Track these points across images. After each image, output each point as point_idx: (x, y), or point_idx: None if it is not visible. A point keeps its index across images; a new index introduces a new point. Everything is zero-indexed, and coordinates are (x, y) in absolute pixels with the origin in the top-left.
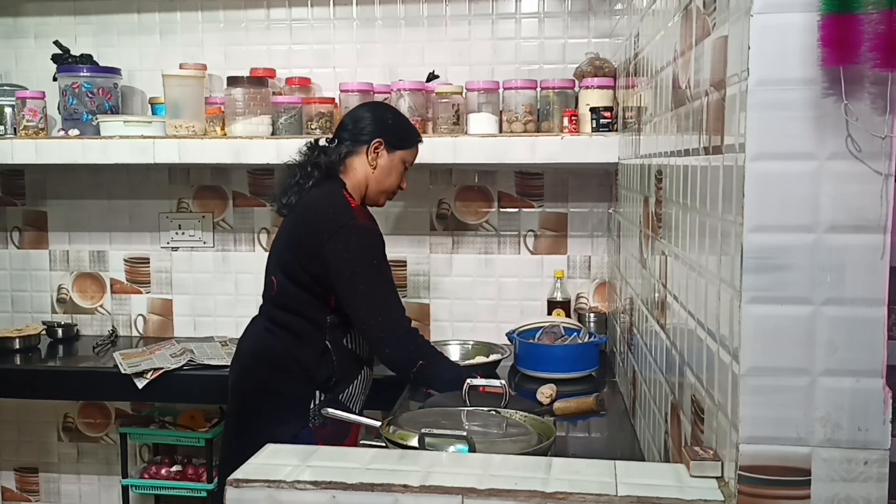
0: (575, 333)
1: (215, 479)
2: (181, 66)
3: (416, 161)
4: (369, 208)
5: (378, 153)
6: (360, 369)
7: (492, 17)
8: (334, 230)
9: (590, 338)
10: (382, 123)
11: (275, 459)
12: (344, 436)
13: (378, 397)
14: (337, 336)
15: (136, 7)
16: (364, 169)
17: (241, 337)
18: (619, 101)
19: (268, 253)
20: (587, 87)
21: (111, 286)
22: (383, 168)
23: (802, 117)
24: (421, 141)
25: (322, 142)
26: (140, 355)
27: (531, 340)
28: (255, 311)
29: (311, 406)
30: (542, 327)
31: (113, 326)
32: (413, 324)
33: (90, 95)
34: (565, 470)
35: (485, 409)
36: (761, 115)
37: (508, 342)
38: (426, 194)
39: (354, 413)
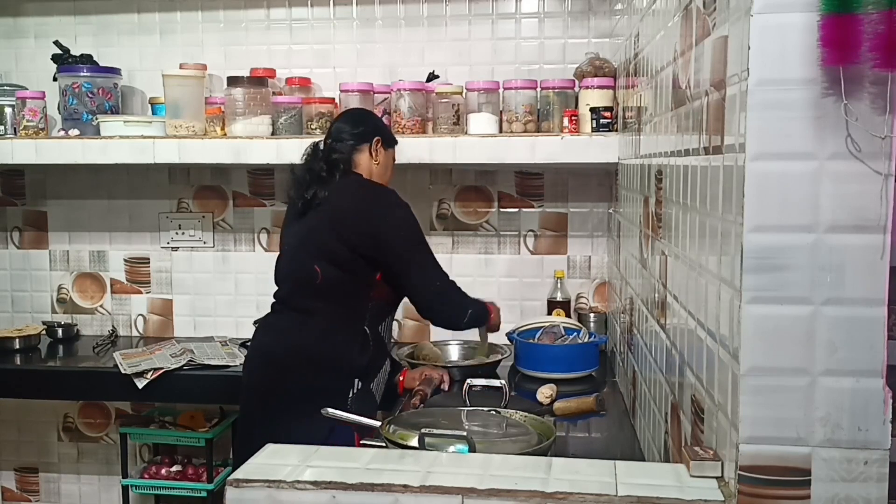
0: (575, 333)
1: (215, 479)
2: (181, 66)
3: (416, 161)
4: None
5: (379, 150)
6: (385, 360)
7: (492, 17)
8: (385, 209)
9: (590, 338)
10: (377, 123)
11: (275, 459)
12: (370, 427)
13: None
14: (374, 323)
15: (136, 7)
16: (368, 164)
17: (259, 335)
18: (620, 101)
19: (283, 247)
20: (587, 87)
21: (111, 286)
22: (383, 163)
23: (802, 117)
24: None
25: (321, 145)
26: (140, 355)
27: (531, 340)
28: (256, 311)
29: (350, 395)
30: (542, 327)
31: (113, 326)
32: (413, 324)
33: (90, 95)
34: (565, 470)
35: (485, 408)
36: (761, 115)
37: (508, 342)
38: (426, 194)
39: (376, 405)
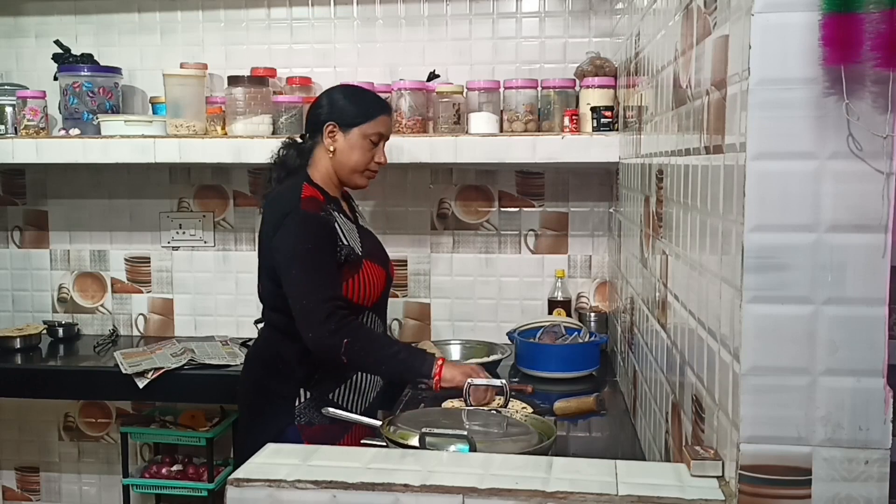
0: (576, 333)
1: (216, 479)
2: (182, 66)
3: (417, 160)
4: (354, 195)
5: (334, 136)
6: (355, 371)
7: (492, 16)
8: (279, 221)
9: (590, 337)
10: (332, 106)
11: (275, 459)
12: (337, 437)
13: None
14: None
15: (137, 6)
16: (325, 156)
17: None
18: (620, 100)
19: None
20: (588, 87)
21: (112, 286)
22: (342, 149)
23: (803, 117)
24: (384, 111)
25: (299, 139)
26: (141, 355)
27: (532, 340)
28: (256, 311)
29: (297, 404)
30: (542, 327)
31: (114, 326)
32: (413, 323)
33: (91, 95)
34: (566, 469)
35: (485, 408)
36: (762, 115)
37: (509, 342)
38: (427, 194)
39: (354, 411)
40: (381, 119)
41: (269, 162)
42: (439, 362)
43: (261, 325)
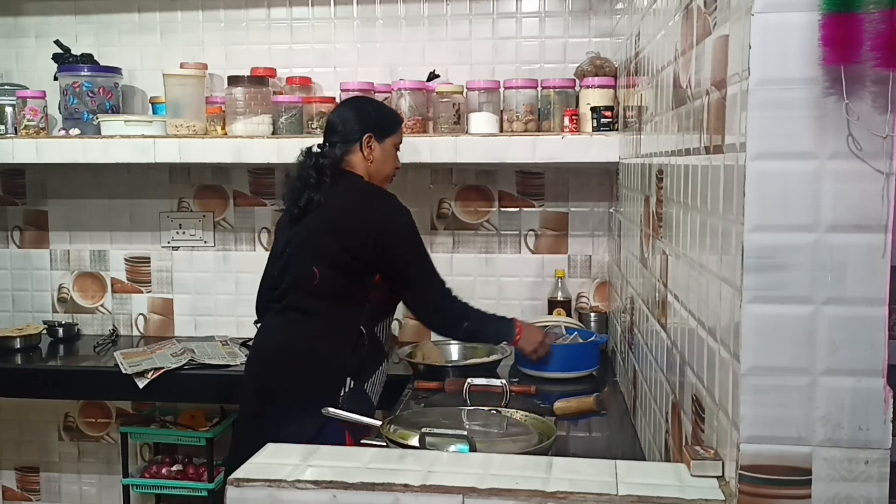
0: (576, 333)
1: (216, 479)
2: (182, 66)
3: (417, 160)
4: None
5: (371, 147)
6: (382, 361)
7: (492, 16)
8: (387, 215)
9: (591, 337)
10: (366, 118)
11: (276, 459)
12: (365, 428)
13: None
14: (370, 324)
15: (137, 6)
16: (363, 164)
17: (259, 335)
18: (620, 100)
19: (279, 249)
20: (588, 87)
21: (112, 285)
22: (379, 159)
23: (803, 117)
24: (402, 121)
25: (315, 148)
26: (141, 355)
27: None
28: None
29: (342, 394)
30: (544, 327)
31: (114, 326)
32: (413, 323)
33: (91, 95)
34: (566, 469)
35: (485, 408)
36: (762, 115)
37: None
38: (427, 194)
39: (372, 405)
40: (401, 128)
41: (267, 162)
42: (517, 327)
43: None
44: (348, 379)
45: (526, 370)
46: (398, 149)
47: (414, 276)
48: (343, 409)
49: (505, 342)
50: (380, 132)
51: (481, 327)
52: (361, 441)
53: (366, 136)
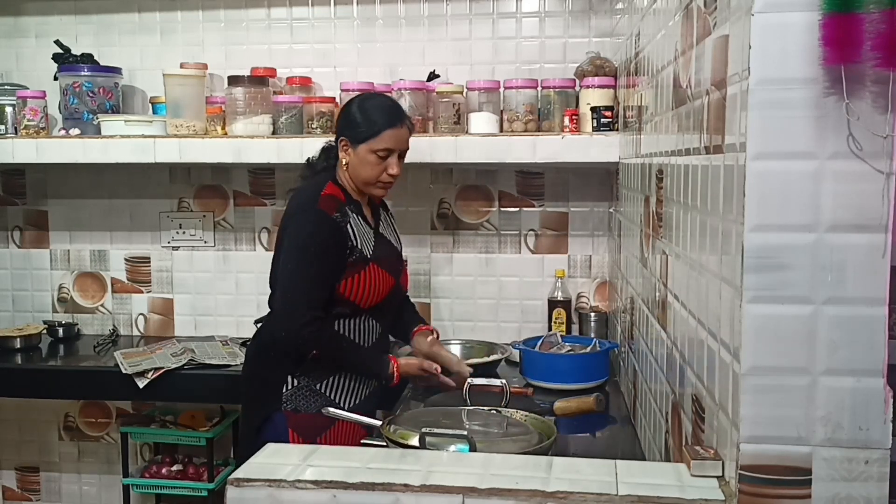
0: (578, 342)
1: (216, 479)
2: (182, 66)
3: (417, 160)
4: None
5: (346, 151)
6: (347, 361)
7: (492, 16)
8: (295, 211)
9: (598, 346)
10: (345, 120)
11: (276, 458)
12: (324, 427)
13: (379, 396)
14: (328, 322)
15: (137, 6)
16: (343, 165)
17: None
18: (620, 100)
19: None
20: (588, 87)
21: (112, 285)
22: (353, 164)
23: (804, 116)
24: (391, 125)
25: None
26: (141, 355)
27: (536, 349)
28: (256, 311)
29: (284, 390)
30: (541, 336)
31: (114, 326)
32: None
33: (91, 95)
34: (566, 469)
35: (485, 408)
36: (762, 115)
37: (508, 342)
38: (427, 194)
39: (345, 410)
40: (387, 134)
41: (267, 162)
42: (394, 364)
43: (259, 325)
44: (290, 377)
45: (535, 382)
46: (384, 156)
47: (279, 280)
48: (288, 406)
49: (385, 380)
50: (354, 138)
51: (348, 364)
52: (361, 441)
53: (340, 139)
